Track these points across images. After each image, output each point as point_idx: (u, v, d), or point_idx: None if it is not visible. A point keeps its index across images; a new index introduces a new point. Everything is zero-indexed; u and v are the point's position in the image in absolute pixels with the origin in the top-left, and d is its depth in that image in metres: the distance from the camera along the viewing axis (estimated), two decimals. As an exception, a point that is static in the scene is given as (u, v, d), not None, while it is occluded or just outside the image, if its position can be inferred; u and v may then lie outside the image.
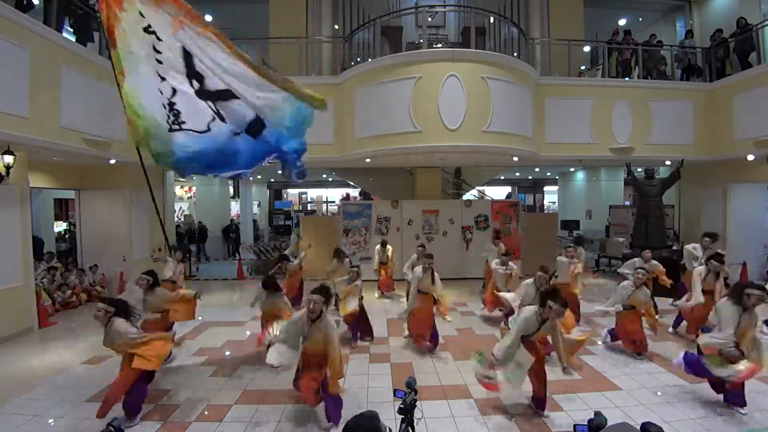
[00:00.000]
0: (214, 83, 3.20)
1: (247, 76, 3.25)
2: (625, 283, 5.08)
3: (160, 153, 3.25)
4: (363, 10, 10.42)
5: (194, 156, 3.28)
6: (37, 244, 8.90)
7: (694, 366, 3.82)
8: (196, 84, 3.17)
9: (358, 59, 9.57)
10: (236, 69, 3.21)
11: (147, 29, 3.04)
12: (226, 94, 3.24)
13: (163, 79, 3.11)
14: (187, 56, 3.11)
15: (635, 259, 6.54)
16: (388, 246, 8.24)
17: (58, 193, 11.60)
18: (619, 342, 5.24)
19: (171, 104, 3.14)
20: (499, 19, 9.46)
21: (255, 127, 3.35)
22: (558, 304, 3.46)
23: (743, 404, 3.69)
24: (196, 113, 3.22)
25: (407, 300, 5.79)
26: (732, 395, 3.73)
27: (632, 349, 5.03)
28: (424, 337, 5.27)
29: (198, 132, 3.24)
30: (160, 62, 3.10)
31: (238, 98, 3.26)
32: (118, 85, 3.14)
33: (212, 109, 3.25)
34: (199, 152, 3.27)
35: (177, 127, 3.20)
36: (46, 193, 11.18)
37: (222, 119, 3.30)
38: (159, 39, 3.05)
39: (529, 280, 5.10)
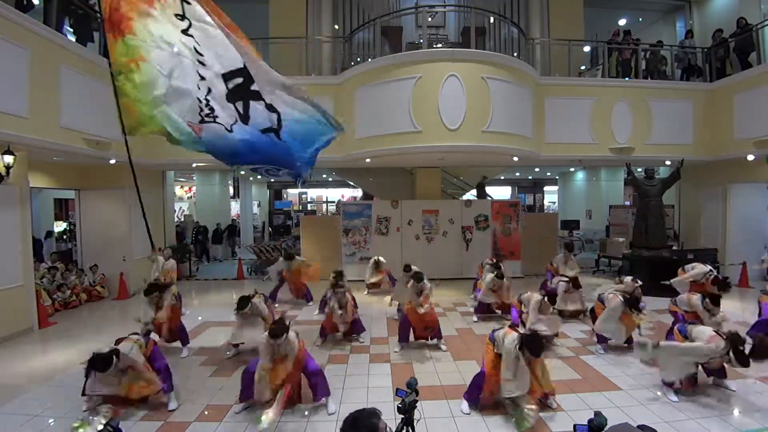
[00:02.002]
0: (254, 86, 3.39)
1: (280, 82, 3.47)
2: (612, 305, 5.01)
3: (179, 138, 3.33)
4: (363, 10, 10.42)
5: (219, 146, 3.44)
6: (37, 244, 8.90)
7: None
8: (232, 84, 3.34)
9: (358, 59, 9.57)
10: (274, 76, 3.45)
11: (186, 31, 3.19)
12: (257, 95, 3.41)
13: (202, 78, 3.26)
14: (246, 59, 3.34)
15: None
16: (382, 265, 8.38)
17: (58, 193, 11.60)
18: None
19: (207, 100, 3.30)
20: (499, 19, 9.47)
21: (271, 131, 3.52)
22: (530, 355, 3.48)
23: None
24: (224, 111, 3.37)
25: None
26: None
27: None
28: (434, 330, 5.31)
29: (226, 129, 3.41)
30: (202, 63, 3.26)
31: (265, 101, 3.44)
32: (117, 73, 3.12)
33: (238, 111, 3.39)
34: (226, 144, 3.44)
35: (210, 120, 3.35)
36: (46, 193, 11.19)
37: (245, 122, 3.44)
38: (198, 43, 3.22)
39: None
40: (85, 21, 7.13)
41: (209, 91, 3.28)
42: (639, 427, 1.95)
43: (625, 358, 4.98)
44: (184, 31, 3.18)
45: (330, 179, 18.17)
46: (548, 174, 18.14)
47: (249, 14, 10.79)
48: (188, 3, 3.19)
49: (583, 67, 10.43)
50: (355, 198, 18.57)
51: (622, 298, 5.00)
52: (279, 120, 3.46)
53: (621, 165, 10.13)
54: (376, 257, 8.58)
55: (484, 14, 9.49)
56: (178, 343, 5.37)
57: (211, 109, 3.30)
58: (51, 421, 3.68)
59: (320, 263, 7.98)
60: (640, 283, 5.84)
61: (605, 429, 1.96)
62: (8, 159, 5.77)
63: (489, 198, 11.18)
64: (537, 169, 15.87)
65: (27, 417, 3.73)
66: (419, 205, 10.13)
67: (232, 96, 3.35)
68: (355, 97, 7.97)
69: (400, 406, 2.23)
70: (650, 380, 4.37)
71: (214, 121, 3.33)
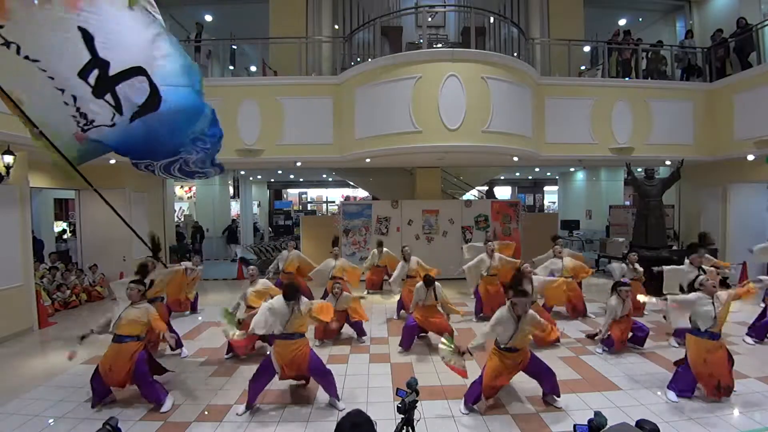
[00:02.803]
0: (118, 62, 2.88)
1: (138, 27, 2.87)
2: (612, 301, 5.06)
3: (78, 155, 3.20)
4: (363, 10, 10.42)
5: (112, 144, 3.22)
6: (38, 244, 8.89)
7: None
8: (92, 79, 2.90)
9: (358, 59, 9.57)
10: (129, 22, 2.82)
11: (8, 43, 2.62)
12: (132, 72, 2.93)
13: (62, 91, 2.89)
14: (89, 38, 2.74)
15: (622, 265, 6.55)
16: (385, 249, 8.17)
17: (58, 193, 11.60)
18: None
19: (78, 109, 3.00)
20: (499, 19, 9.46)
21: (150, 101, 3.01)
22: (518, 296, 3.60)
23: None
24: (101, 110, 3.05)
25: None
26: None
27: (623, 347, 5.21)
28: (445, 328, 5.28)
29: (108, 126, 3.11)
30: (51, 78, 2.78)
31: (143, 74, 2.94)
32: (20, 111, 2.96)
33: (110, 104, 3.03)
34: (117, 141, 3.20)
35: (90, 126, 3.09)
36: (46, 193, 11.18)
37: (121, 112, 3.07)
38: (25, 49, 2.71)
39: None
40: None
41: (75, 99, 2.91)
42: (638, 422, 1.96)
43: (625, 358, 4.99)
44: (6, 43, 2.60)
45: (330, 179, 18.17)
46: (548, 174, 18.15)
47: (249, 14, 10.81)
48: None
49: (583, 67, 10.43)
50: (357, 198, 18.56)
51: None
52: (151, 84, 2.97)
53: (621, 165, 10.12)
54: (380, 239, 8.59)
55: (484, 14, 9.49)
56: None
57: (85, 116, 3.01)
58: (51, 421, 3.68)
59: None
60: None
61: (605, 429, 1.96)
62: (8, 159, 5.78)
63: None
64: (537, 169, 15.86)
65: (27, 417, 3.73)
66: (419, 205, 10.13)
67: (97, 91, 2.93)
68: (355, 97, 7.97)
69: (399, 405, 2.23)
70: (650, 380, 4.37)
71: (93, 126, 3.08)
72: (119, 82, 2.89)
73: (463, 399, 3.83)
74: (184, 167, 3.57)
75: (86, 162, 3.32)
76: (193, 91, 3.06)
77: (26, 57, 2.69)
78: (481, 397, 3.71)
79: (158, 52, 2.88)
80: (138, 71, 2.87)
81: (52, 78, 2.80)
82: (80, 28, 2.65)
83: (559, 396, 3.86)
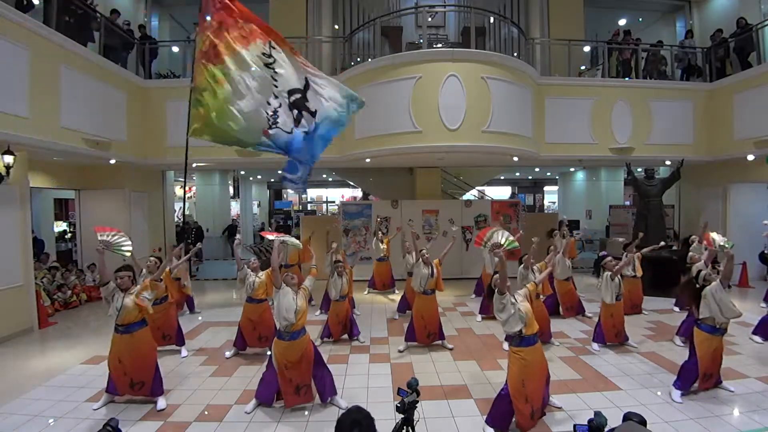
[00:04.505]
0: (312, 104, 4.45)
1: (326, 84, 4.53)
2: (605, 276, 5.19)
3: (246, 141, 4.32)
4: (363, 10, 10.43)
5: (281, 144, 4.37)
6: (38, 244, 8.89)
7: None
8: (293, 98, 4.38)
9: (358, 59, 9.57)
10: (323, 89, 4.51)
11: (269, 65, 4.31)
12: (307, 106, 4.43)
13: (276, 96, 4.32)
14: (306, 85, 4.44)
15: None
16: (383, 243, 8.18)
17: (58, 193, 11.59)
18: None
19: (275, 110, 4.32)
20: (499, 19, 9.47)
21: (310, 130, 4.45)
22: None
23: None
24: (287, 117, 4.37)
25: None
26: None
27: (617, 341, 5.30)
28: (436, 336, 5.37)
29: (286, 132, 4.34)
30: (275, 86, 4.33)
31: (309, 109, 4.42)
32: (202, 89, 4.17)
33: (294, 117, 4.38)
34: (285, 143, 4.38)
35: (276, 125, 4.31)
36: (46, 193, 11.17)
37: (298, 126, 4.38)
38: (276, 71, 4.33)
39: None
40: (85, 21, 7.12)
41: (280, 104, 4.33)
42: (626, 414, 2.00)
43: (625, 358, 4.99)
44: (267, 65, 4.31)
45: (330, 179, 18.17)
46: (548, 174, 18.13)
47: (249, 14, 10.79)
48: (274, 48, 4.35)
49: (583, 67, 10.43)
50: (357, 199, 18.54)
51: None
52: (314, 116, 4.42)
53: (621, 165, 10.13)
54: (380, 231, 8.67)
55: (484, 14, 9.49)
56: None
57: (276, 118, 4.31)
58: (51, 421, 3.68)
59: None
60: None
61: (610, 429, 1.97)
62: (8, 159, 5.78)
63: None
64: (537, 169, 15.86)
65: (27, 417, 3.73)
66: (419, 205, 10.13)
67: (293, 105, 4.38)
68: (355, 97, 7.96)
69: (398, 405, 2.23)
70: (650, 380, 4.37)
71: (277, 126, 4.34)
72: (303, 110, 4.42)
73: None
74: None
75: (261, 150, 4.48)
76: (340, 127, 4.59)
77: (271, 67, 4.35)
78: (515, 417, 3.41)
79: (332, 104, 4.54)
80: (313, 112, 4.44)
81: (276, 86, 4.38)
82: (305, 78, 4.44)
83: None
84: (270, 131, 4.32)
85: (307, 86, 4.45)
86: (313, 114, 4.43)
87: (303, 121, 4.42)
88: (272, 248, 4.04)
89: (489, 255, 7.45)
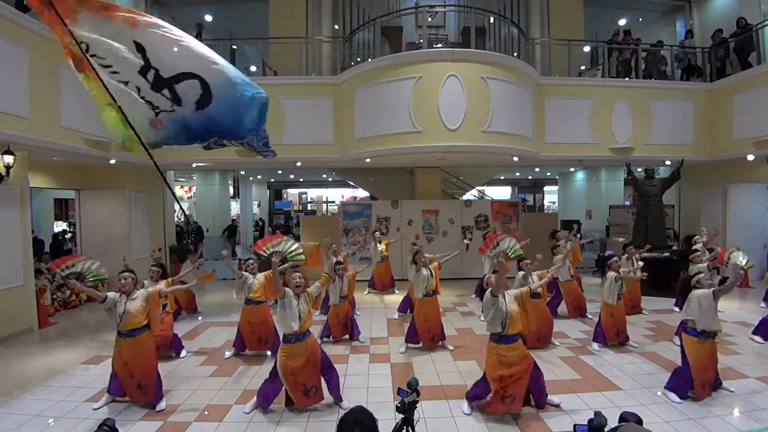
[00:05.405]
0: (169, 70, 3.32)
1: (200, 52, 3.37)
2: (610, 276, 5.19)
3: (156, 141, 3.50)
4: (363, 10, 10.42)
5: (176, 130, 3.53)
6: (38, 244, 8.90)
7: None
8: (150, 77, 3.31)
9: (358, 59, 9.58)
10: (189, 51, 3.33)
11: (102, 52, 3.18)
12: (183, 76, 3.33)
13: (126, 83, 3.30)
14: (141, 50, 3.23)
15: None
16: (381, 244, 8.19)
17: (58, 193, 11.60)
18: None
19: (143, 98, 3.38)
20: (499, 19, 9.47)
21: (203, 100, 3.42)
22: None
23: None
24: (159, 101, 3.42)
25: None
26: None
27: (617, 340, 5.30)
28: (439, 337, 5.36)
29: (168, 112, 3.45)
30: (116, 72, 3.22)
31: (196, 78, 3.33)
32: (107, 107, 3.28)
33: (167, 97, 3.40)
34: (178, 127, 3.52)
35: (159, 110, 3.44)
36: (46, 193, 11.18)
37: (179, 104, 3.42)
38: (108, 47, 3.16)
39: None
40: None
41: (138, 90, 3.32)
42: (622, 414, 2.00)
43: (625, 358, 4.99)
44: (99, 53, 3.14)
45: (330, 179, 18.17)
46: (548, 174, 18.14)
47: (249, 14, 10.81)
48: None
49: (583, 67, 10.43)
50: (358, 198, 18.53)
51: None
52: (207, 87, 3.38)
53: (621, 165, 10.13)
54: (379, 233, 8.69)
55: (484, 14, 9.49)
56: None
57: (151, 104, 3.39)
58: (51, 421, 3.68)
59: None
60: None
61: (610, 429, 1.97)
62: (8, 159, 5.77)
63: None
64: (537, 169, 15.87)
65: (27, 417, 3.73)
66: (419, 205, 10.12)
67: (156, 86, 3.35)
68: (355, 97, 7.97)
69: (398, 405, 2.23)
70: (650, 380, 4.37)
71: (161, 111, 3.44)
72: (175, 82, 3.36)
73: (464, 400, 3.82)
74: (252, 144, 3.81)
75: (161, 147, 3.61)
76: (242, 90, 3.46)
77: (93, 55, 3.13)
78: (485, 396, 3.67)
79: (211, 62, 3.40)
80: (191, 75, 3.34)
81: (117, 72, 3.25)
82: (135, 42, 3.20)
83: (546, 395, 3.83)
84: (160, 120, 3.47)
85: (141, 49, 3.21)
86: (189, 76, 3.33)
87: (184, 94, 3.38)
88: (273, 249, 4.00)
89: (489, 259, 7.50)
